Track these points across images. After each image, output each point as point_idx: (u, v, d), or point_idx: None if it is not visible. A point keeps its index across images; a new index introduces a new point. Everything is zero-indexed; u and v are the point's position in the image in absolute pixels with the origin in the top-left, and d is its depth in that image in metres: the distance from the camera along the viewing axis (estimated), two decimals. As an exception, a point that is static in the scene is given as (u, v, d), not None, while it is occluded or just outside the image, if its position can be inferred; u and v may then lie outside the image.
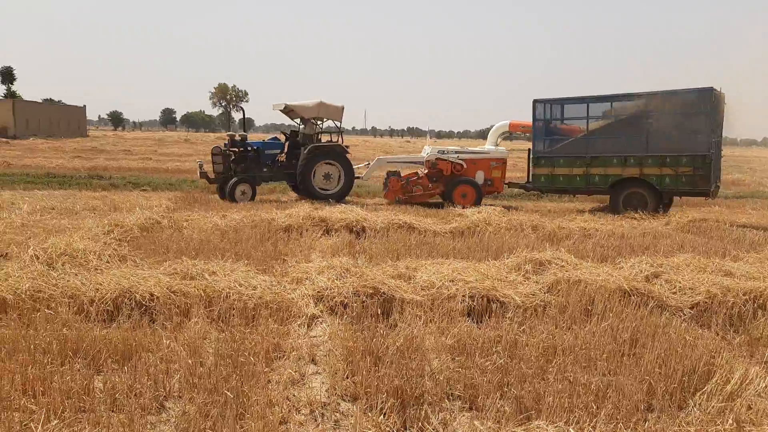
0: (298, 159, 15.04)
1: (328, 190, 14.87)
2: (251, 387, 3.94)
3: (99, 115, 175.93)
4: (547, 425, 3.41)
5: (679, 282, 6.29)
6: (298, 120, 16.08)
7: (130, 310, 5.25)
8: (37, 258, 6.39)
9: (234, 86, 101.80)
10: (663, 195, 12.95)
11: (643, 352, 4.80)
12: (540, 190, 14.73)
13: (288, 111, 15.75)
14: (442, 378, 4.16)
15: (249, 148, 15.09)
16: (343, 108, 15.67)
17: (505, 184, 15.28)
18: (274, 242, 8.54)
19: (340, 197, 14.68)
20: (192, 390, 3.94)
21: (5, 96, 66.78)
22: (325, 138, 15.87)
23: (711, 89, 12.14)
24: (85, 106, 79.24)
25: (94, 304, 5.25)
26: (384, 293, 5.82)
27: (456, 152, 15.06)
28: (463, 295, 5.76)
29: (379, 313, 5.53)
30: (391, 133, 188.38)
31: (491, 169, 14.98)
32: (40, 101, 74.01)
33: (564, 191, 14.46)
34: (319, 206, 11.39)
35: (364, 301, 5.66)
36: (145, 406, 3.72)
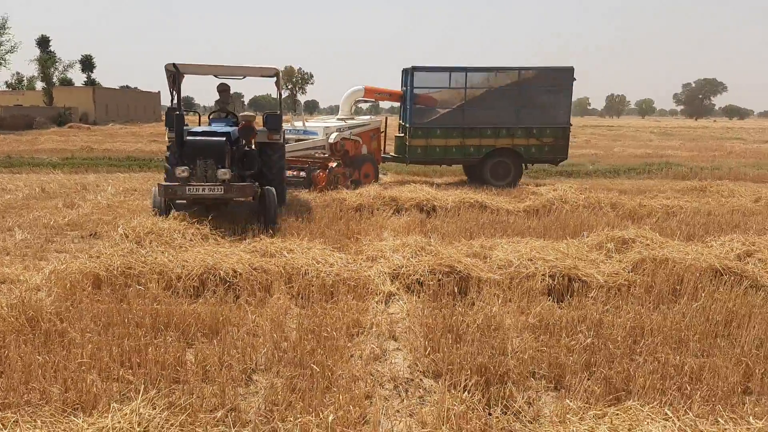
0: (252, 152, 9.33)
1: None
2: (335, 361, 4.01)
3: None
4: (641, 405, 3.28)
5: (776, 260, 5.94)
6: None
7: (215, 286, 5.43)
8: (127, 236, 6.70)
9: (300, 69, 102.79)
10: (525, 163, 13.99)
11: (739, 333, 4.58)
12: (415, 162, 14.53)
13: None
14: (525, 357, 4.08)
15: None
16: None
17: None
18: (346, 221, 8.62)
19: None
20: (278, 363, 4.04)
21: (85, 83, 69.03)
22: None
23: (572, 68, 13.49)
24: (159, 92, 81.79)
25: (182, 280, 5.46)
26: (460, 272, 5.77)
27: (349, 128, 13.37)
28: (543, 274, 5.63)
29: (455, 291, 5.49)
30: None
31: (371, 141, 14.02)
32: (118, 88, 76.63)
33: (440, 162, 14.60)
34: (388, 186, 11.40)
35: (440, 279, 5.64)
36: (234, 378, 3.84)
